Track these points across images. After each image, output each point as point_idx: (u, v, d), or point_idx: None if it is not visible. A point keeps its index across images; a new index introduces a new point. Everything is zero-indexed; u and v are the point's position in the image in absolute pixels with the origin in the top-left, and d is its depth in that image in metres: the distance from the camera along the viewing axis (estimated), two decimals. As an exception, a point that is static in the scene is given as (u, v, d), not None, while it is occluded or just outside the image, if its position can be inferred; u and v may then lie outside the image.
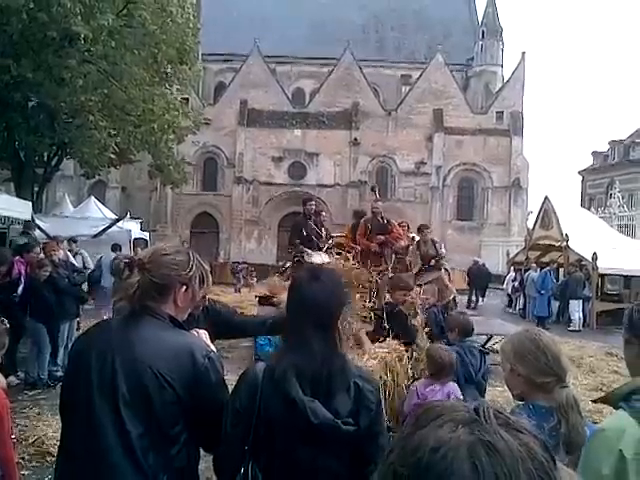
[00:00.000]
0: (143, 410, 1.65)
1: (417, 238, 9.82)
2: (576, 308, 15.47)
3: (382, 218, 8.59)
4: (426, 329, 5.61)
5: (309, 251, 8.56)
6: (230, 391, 1.79)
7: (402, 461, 0.62)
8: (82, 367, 1.74)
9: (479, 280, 20.60)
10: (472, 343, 4.41)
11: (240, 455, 1.69)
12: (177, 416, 1.68)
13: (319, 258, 8.53)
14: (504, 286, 20.72)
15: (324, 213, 9.76)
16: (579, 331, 14.77)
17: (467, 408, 0.64)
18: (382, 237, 8.37)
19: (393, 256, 8.85)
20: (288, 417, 1.62)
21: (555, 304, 16.03)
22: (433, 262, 9.32)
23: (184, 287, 1.80)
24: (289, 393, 1.62)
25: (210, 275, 1.94)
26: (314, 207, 9.25)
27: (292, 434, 1.62)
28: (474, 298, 20.33)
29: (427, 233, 9.66)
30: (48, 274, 7.10)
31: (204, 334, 2.00)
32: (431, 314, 7.02)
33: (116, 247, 11.62)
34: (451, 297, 9.21)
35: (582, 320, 15.78)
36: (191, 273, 1.81)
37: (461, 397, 3.67)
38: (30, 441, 5.11)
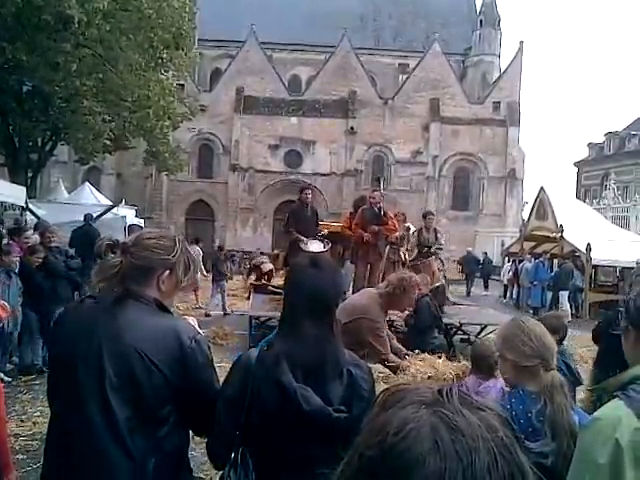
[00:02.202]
0: (130, 393, 1.64)
1: (412, 228, 9.83)
2: (566, 299, 15.63)
3: (379, 209, 8.58)
4: None
5: (304, 239, 8.57)
6: (217, 379, 1.80)
7: (367, 443, 0.63)
8: (67, 352, 1.73)
9: (473, 270, 20.96)
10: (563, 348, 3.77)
11: (232, 441, 1.70)
12: (165, 398, 1.67)
13: (315, 246, 8.55)
14: (501, 277, 20.89)
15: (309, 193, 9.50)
16: (569, 322, 14.90)
17: (431, 390, 0.65)
18: (376, 227, 8.37)
19: (387, 247, 8.87)
20: (280, 404, 1.62)
21: (549, 294, 16.14)
22: (432, 249, 9.37)
23: (167, 271, 1.79)
24: (281, 380, 1.62)
25: (197, 263, 1.92)
26: (310, 195, 9.25)
27: (284, 421, 1.62)
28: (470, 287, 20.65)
29: (431, 220, 9.72)
30: (42, 260, 7.07)
31: (193, 320, 2.00)
32: (424, 303, 7.03)
33: (88, 216, 11.51)
34: (437, 284, 9.20)
35: (571, 311, 15.93)
36: (175, 258, 1.80)
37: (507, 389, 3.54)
38: (25, 426, 5.13)
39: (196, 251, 13.32)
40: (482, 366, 3.61)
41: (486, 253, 23.78)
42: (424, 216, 9.89)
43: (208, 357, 1.76)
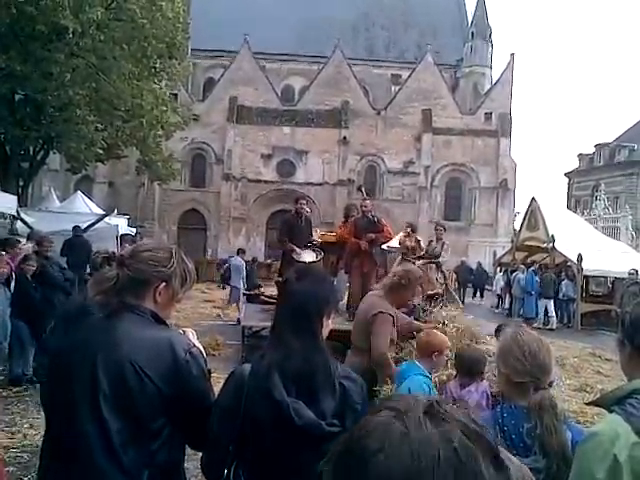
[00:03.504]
0: (123, 405, 1.64)
1: (420, 239, 9.92)
2: (552, 307, 15.84)
3: (372, 216, 8.61)
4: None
5: (297, 249, 8.56)
6: (213, 392, 1.79)
7: (340, 440, 0.72)
8: (63, 364, 1.73)
9: (466, 279, 21.18)
10: None
11: (226, 454, 1.69)
12: (158, 411, 1.67)
13: (308, 256, 8.55)
14: (493, 287, 21.01)
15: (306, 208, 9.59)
16: (553, 330, 15.03)
17: (410, 400, 0.71)
18: (373, 235, 8.39)
19: (400, 258, 8.98)
20: (272, 418, 1.62)
21: (542, 304, 16.26)
22: (434, 259, 9.48)
23: (163, 284, 1.79)
24: (273, 394, 1.62)
25: (194, 274, 1.91)
26: (305, 206, 9.25)
27: (276, 435, 1.62)
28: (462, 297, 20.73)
29: (441, 232, 9.94)
30: (34, 268, 7.02)
31: (191, 333, 2.00)
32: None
33: (77, 229, 11.53)
34: (432, 292, 9.23)
35: (563, 321, 16.11)
36: (172, 270, 1.80)
37: (489, 394, 3.60)
38: (15, 438, 5.07)
39: (239, 261, 13.67)
40: (464, 371, 3.72)
41: (480, 263, 23.95)
42: (435, 228, 10.11)
43: (203, 370, 1.76)
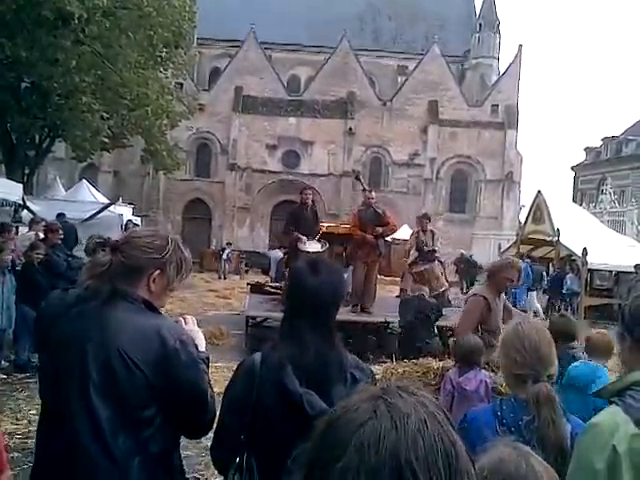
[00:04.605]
0: (112, 393, 1.64)
1: (435, 232, 9.92)
2: (534, 299, 16.00)
3: (377, 208, 8.63)
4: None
5: (304, 239, 8.58)
6: (209, 379, 1.78)
7: (320, 421, 0.75)
8: (52, 349, 1.73)
9: (468, 272, 21.31)
10: (575, 350, 3.86)
11: (235, 445, 1.69)
12: (148, 399, 1.66)
13: (313, 246, 8.58)
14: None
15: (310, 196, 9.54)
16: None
17: (386, 386, 0.76)
18: (380, 229, 8.42)
19: (394, 246, 8.98)
20: (284, 408, 1.62)
21: (530, 296, 16.43)
22: (428, 253, 9.43)
23: (158, 271, 1.77)
24: (286, 384, 1.62)
25: (190, 263, 1.89)
26: (310, 196, 9.26)
27: (288, 425, 1.62)
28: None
29: (427, 224, 9.86)
30: (42, 256, 7.03)
31: (191, 320, 1.97)
32: (430, 304, 7.07)
33: (61, 215, 11.37)
34: (442, 289, 9.29)
35: (541, 311, 16.37)
36: (166, 257, 1.78)
37: (490, 385, 3.69)
38: (19, 424, 5.12)
39: (279, 255, 13.98)
40: (462, 359, 3.88)
41: (471, 255, 23.96)
42: (421, 220, 9.98)
43: (194, 358, 1.72)
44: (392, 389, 0.72)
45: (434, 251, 9.53)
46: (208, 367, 1.81)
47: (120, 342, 1.65)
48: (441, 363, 5.55)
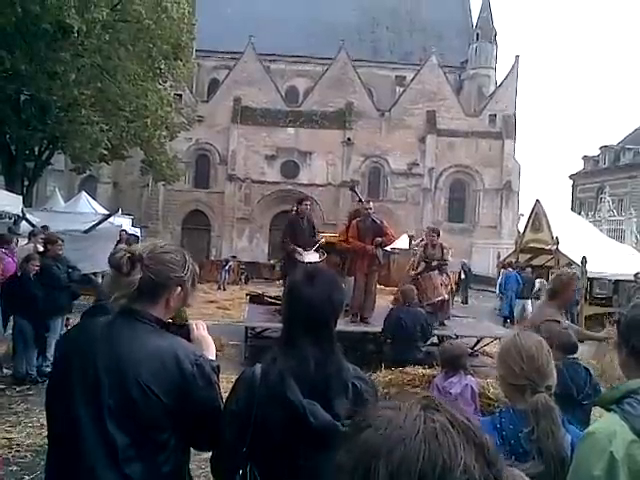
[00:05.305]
0: (129, 421, 1.61)
1: (445, 246, 9.88)
2: (529, 307, 16.04)
3: (375, 219, 8.64)
4: None
5: (301, 250, 8.59)
6: (220, 392, 1.77)
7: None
8: (65, 375, 1.70)
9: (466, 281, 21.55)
10: (574, 360, 3.87)
11: (237, 457, 1.68)
12: (165, 424, 1.64)
13: (311, 257, 8.58)
14: (496, 289, 21.05)
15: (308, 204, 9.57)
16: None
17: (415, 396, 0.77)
18: (380, 239, 8.43)
19: (393, 256, 8.99)
20: (287, 419, 1.61)
21: (519, 304, 16.48)
22: (436, 264, 9.41)
23: (179, 288, 1.76)
24: (288, 395, 1.61)
25: (196, 277, 1.88)
26: (309, 207, 9.27)
27: (291, 436, 1.61)
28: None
29: (436, 237, 9.85)
30: (38, 268, 7.03)
31: (202, 325, 1.97)
32: (417, 313, 7.04)
33: (45, 227, 11.19)
34: (437, 299, 9.19)
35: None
36: (187, 274, 1.77)
37: (476, 389, 3.81)
38: (19, 437, 5.09)
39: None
40: (448, 364, 4.08)
41: (464, 262, 23.96)
42: (429, 233, 10.04)
43: (210, 378, 1.71)
44: (410, 404, 0.73)
45: (445, 264, 9.51)
46: (218, 377, 1.79)
47: (137, 370, 1.62)
48: (428, 370, 5.77)
